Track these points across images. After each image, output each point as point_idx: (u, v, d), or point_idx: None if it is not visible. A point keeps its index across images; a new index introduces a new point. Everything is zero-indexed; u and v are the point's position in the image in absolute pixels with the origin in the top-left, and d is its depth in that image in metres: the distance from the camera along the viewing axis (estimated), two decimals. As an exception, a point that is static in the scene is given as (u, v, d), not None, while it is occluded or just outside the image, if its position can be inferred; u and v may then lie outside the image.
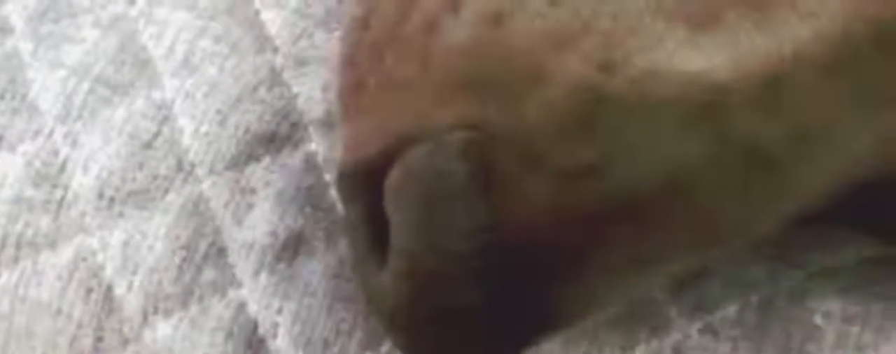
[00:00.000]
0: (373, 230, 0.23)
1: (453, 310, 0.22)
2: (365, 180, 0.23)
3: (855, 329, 0.27)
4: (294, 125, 0.29)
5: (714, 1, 0.24)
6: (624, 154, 0.23)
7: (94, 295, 0.27)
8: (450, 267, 0.22)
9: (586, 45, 0.23)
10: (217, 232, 0.27)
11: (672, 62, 0.23)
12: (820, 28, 0.23)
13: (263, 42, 0.30)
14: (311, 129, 0.29)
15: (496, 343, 0.23)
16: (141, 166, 0.28)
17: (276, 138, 0.28)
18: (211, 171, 0.28)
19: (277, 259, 0.27)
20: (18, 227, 0.28)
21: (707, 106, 0.23)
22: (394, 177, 0.23)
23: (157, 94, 0.29)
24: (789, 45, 0.23)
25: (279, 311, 0.27)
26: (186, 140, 0.28)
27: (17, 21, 0.30)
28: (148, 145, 0.28)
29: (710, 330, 0.27)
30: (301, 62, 0.30)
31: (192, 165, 0.28)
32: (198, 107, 0.29)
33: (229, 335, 0.27)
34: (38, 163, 0.28)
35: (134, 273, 0.27)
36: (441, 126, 0.23)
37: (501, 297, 0.22)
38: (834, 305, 0.27)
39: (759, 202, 0.24)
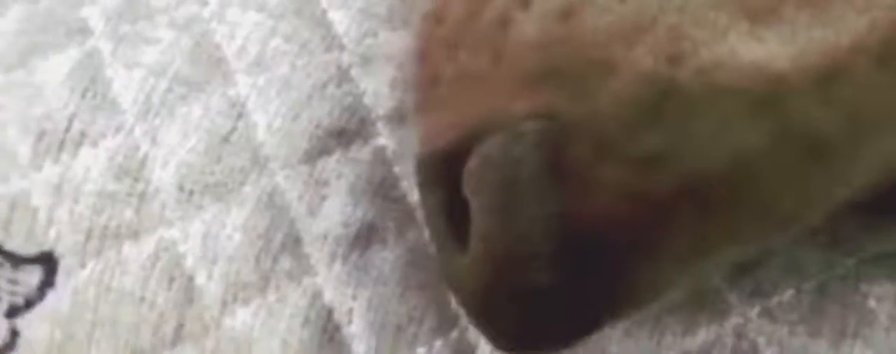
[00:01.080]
0: (451, 216, 0.24)
1: (530, 292, 0.23)
2: (443, 168, 0.24)
3: (908, 313, 0.28)
4: (362, 120, 0.30)
5: None
6: (691, 142, 0.23)
7: (175, 284, 0.28)
8: (526, 250, 0.23)
9: (654, 37, 0.24)
10: (292, 223, 0.28)
11: (736, 53, 0.24)
12: (875, 20, 0.24)
13: (331, 41, 0.31)
14: (379, 124, 0.30)
15: (570, 324, 0.24)
16: (218, 160, 0.29)
17: (345, 133, 0.30)
18: (285, 165, 0.29)
19: (351, 248, 0.28)
20: (103, 219, 0.29)
21: (769, 95, 0.24)
22: (472, 164, 0.24)
23: (231, 92, 0.30)
24: (846, 37, 0.24)
25: (354, 298, 0.28)
26: (260, 135, 0.29)
27: (97, 23, 0.31)
28: (224, 140, 0.29)
29: (767, 314, 0.28)
30: (367, 60, 0.31)
31: (267, 159, 0.29)
32: (271, 104, 0.30)
33: (306, 321, 0.28)
34: (119, 158, 0.29)
35: (213, 262, 0.28)
36: (515, 116, 0.24)
37: (575, 280, 0.23)
38: (888, 289, 0.28)
39: (817, 189, 0.25)
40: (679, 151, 0.23)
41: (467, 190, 0.24)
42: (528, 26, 0.25)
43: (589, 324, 0.24)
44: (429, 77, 0.26)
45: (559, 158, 0.23)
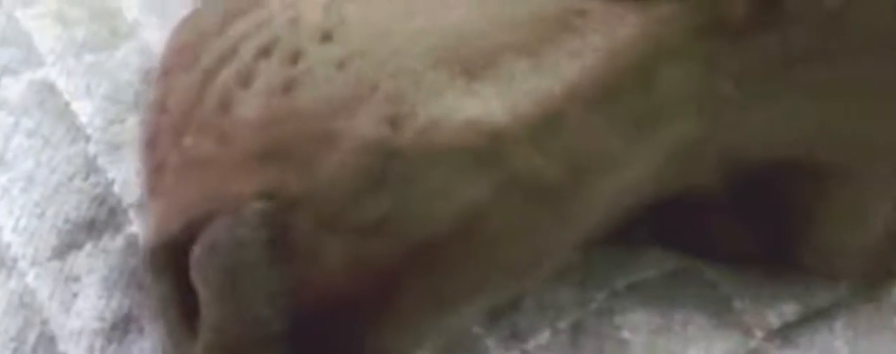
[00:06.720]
0: (183, 305, 0.24)
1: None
2: (171, 256, 0.24)
3: (661, 340, 0.29)
4: (112, 210, 0.30)
5: (489, 49, 0.25)
6: (416, 203, 0.24)
7: (-71, 398, 0.28)
8: (256, 334, 0.23)
9: (373, 103, 0.24)
10: (45, 322, 0.28)
11: (453, 111, 0.24)
12: (584, 65, 0.25)
13: (76, 132, 0.31)
14: (130, 213, 0.30)
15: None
16: (-36, 267, 0.29)
17: (95, 224, 0.29)
18: (34, 263, 0.29)
19: (108, 341, 0.28)
20: None
21: (488, 150, 0.24)
22: (197, 251, 0.24)
23: (-27, 195, 0.29)
24: (558, 84, 0.25)
25: (114, 392, 0.28)
26: (7, 236, 0.29)
27: None
28: (-31, 246, 0.29)
29: (526, 358, 0.28)
30: (115, 147, 0.30)
31: (15, 259, 0.29)
32: (15, 203, 0.29)
33: (68, 420, 0.28)
34: None
35: (-33, 371, 0.28)
36: (239, 198, 0.24)
37: None
38: (640, 318, 0.29)
39: (548, 233, 0.25)
40: (404, 214, 0.24)
41: (194, 279, 0.24)
42: (249, 105, 0.25)
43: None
44: (156, 165, 0.26)
45: (284, 236, 0.24)
